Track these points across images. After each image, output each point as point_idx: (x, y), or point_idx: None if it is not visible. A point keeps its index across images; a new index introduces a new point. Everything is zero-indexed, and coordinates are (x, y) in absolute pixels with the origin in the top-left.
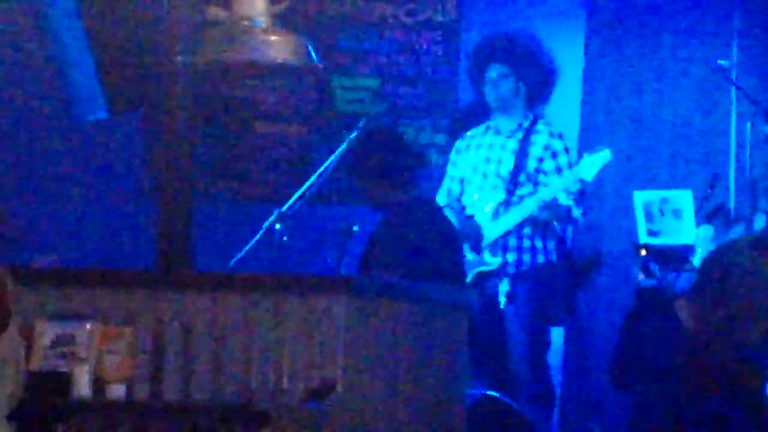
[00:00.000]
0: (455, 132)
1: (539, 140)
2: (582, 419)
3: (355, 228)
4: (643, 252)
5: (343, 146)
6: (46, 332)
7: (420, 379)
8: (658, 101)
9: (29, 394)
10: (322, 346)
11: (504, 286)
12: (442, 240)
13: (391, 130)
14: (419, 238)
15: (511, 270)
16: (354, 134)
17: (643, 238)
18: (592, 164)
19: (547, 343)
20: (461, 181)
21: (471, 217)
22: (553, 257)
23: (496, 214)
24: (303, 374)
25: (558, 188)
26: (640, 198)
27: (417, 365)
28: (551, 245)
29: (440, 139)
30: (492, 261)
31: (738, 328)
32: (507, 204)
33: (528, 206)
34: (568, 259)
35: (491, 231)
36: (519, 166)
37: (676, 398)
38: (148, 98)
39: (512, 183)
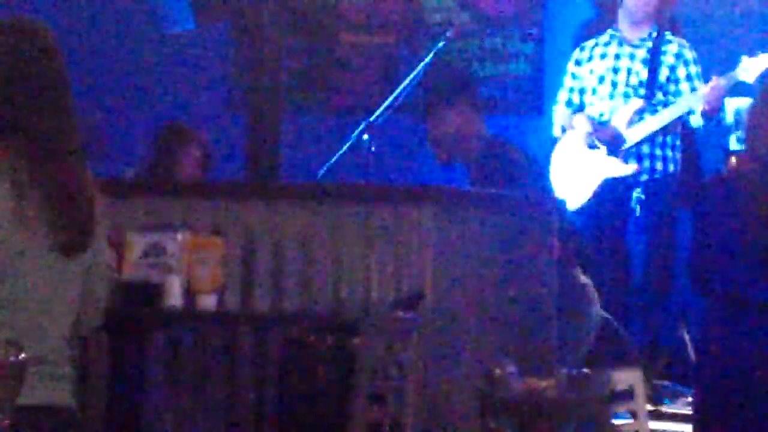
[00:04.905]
0: (542, 41)
1: (671, 49)
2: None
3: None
4: (734, 160)
5: (430, 56)
6: (137, 243)
7: (508, 288)
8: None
9: (122, 305)
10: (411, 256)
11: (637, 194)
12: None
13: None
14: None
15: (644, 177)
16: (441, 43)
17: (733, 145)
18: (754, 66)
19: (674, 251)
20: (581, 91)
21: (607, 122)
22: (678, 168)
23: (630, 122)
24: (392, 284)
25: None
26: (732, 105)
27: (505, 274)
28: (678, 155)
29: (528, 48)
30: (625, 168)
31: None
32: (641, 111)
33: (687, 100)
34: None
35: (626, 138)
36: (653, 75)
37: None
38: (234, 10)
39: (649, 91)
